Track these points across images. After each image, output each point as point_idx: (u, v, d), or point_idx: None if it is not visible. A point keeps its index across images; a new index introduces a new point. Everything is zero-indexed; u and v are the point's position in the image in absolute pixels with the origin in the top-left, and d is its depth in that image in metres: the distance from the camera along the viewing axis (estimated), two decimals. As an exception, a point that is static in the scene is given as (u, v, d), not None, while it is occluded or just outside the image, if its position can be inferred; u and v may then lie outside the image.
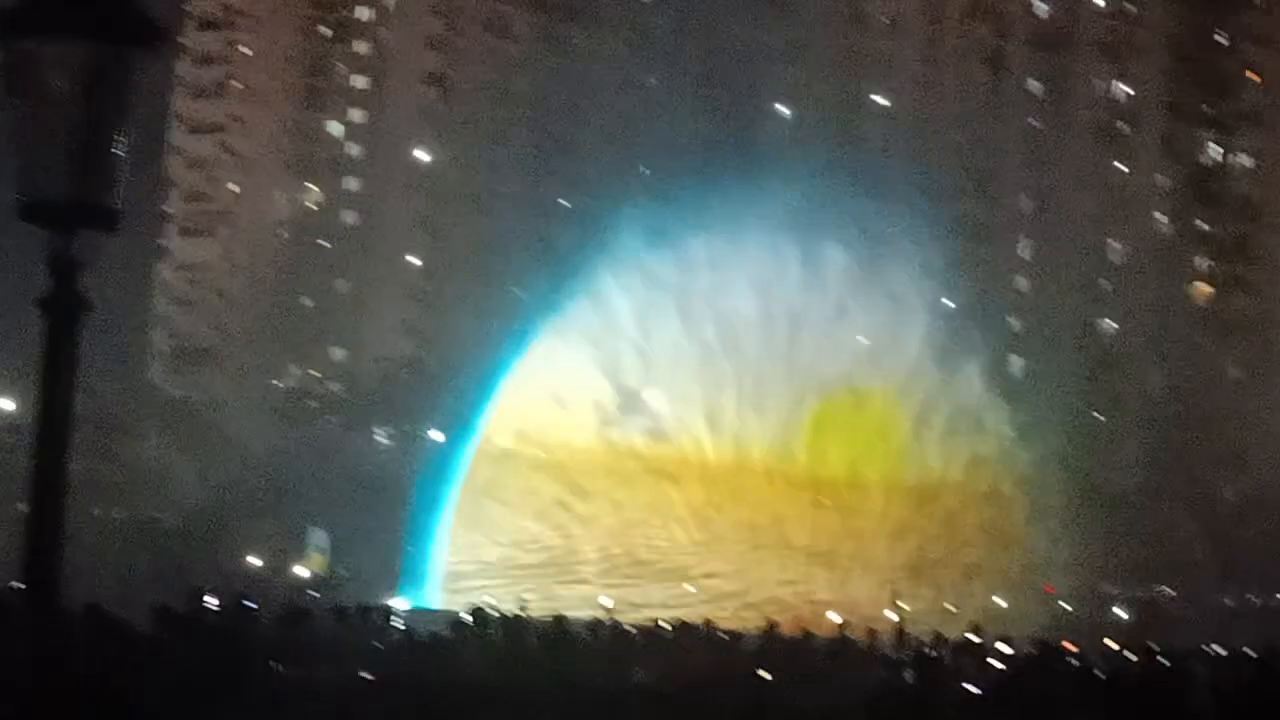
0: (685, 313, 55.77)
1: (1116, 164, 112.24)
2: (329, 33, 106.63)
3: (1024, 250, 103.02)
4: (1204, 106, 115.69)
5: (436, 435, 64.54)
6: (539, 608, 33.33)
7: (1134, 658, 28.93)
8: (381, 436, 76.77)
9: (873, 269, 57.67)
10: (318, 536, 61.36)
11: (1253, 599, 68.11)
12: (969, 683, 21.88)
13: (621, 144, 77.33)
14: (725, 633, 28.61)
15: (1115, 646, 32.07)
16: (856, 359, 57.38)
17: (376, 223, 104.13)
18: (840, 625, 29.76)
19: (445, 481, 53.06)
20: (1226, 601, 67.68)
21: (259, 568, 62.37)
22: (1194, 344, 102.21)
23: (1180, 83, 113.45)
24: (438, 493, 52.83)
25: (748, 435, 55.71)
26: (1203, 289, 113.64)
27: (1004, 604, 50.03)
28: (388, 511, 55.38)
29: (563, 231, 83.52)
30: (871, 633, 29.86)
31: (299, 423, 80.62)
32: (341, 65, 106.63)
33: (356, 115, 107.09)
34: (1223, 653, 32.28)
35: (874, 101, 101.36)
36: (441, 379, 65.74)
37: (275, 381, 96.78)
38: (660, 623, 31.94)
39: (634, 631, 30.54)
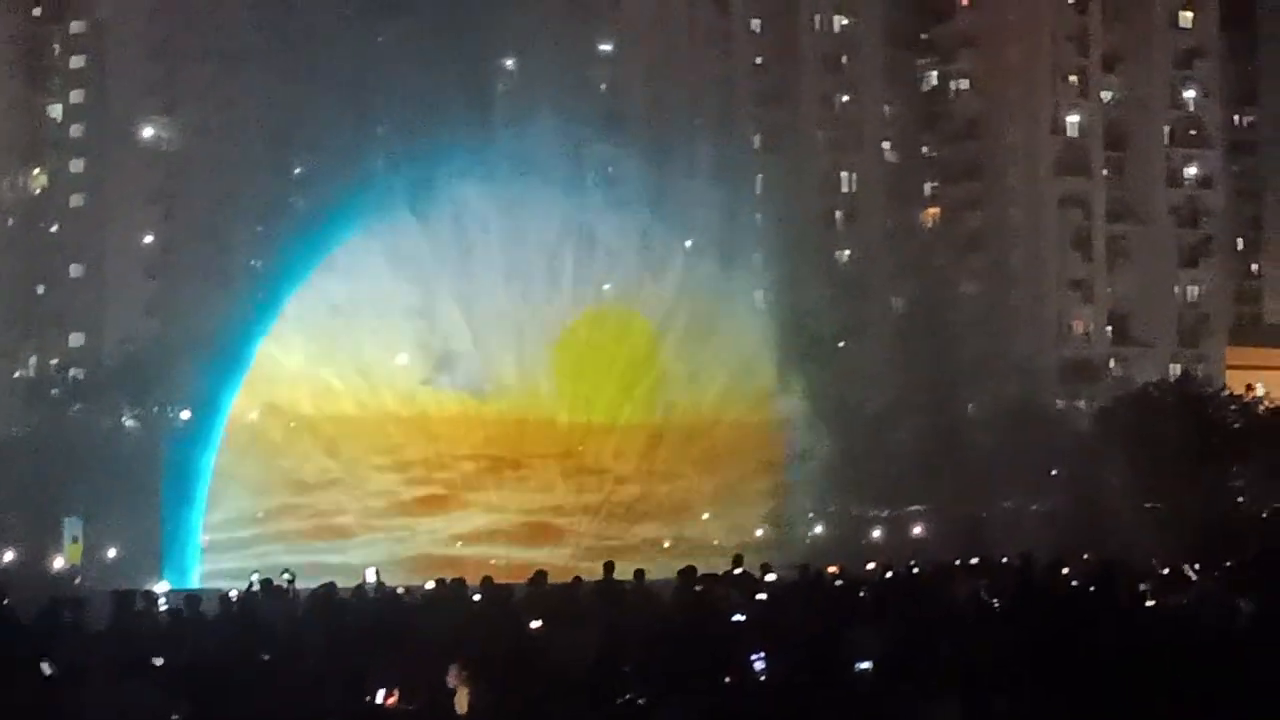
0: (428, 270, 55.67)
1: (841, 95, 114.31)
2: (40, 12, 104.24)
3: (758, 186, 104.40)
4: (921, 33, 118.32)
5: (185, 413, 63.70)
6: (305, 576, 33.18)
7: (891, 574, 29.80)
8: (130, 419, 75.42)
9: (615, 212, 58.12)
10: (72, 525, 60.22)
11: (1006, 506, 70.16)
12: (737, 613, 22.37)
13: (354, 104, 76.64)
14: (494, 584, 28.72)
15: (873, 565, 32.94)
16: (603, 303, 57.82)
17: (106, 203, 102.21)
18: (605, 568, 29.95)
19: (199, 459, 52.53)
20: (978, 513, 69.57)
21: (13, 561, 61.11)
22: (929, 264, 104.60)
23: (897, 11, 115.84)
24: (192, 471, 52.28)
25: (502, 388, 55.88)
26: (931, 211, 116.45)
27: (764, 534, 50.98)
28: (142, 494, 54.67)
29: (300, 196, 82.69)
30: (638, 573, 30.23)
31: (44, 412, 78.96)
32: (58, 45, 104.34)
33: (76, 95, 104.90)
34: (976, 562, 33.48)
35: (602, 49, 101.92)
36: (187, 356, 64.72)
37: (17, 373, 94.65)
38: (429, 582, 32.06)
39: (402, 591, 30.71)
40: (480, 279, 55.83)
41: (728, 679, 15.28)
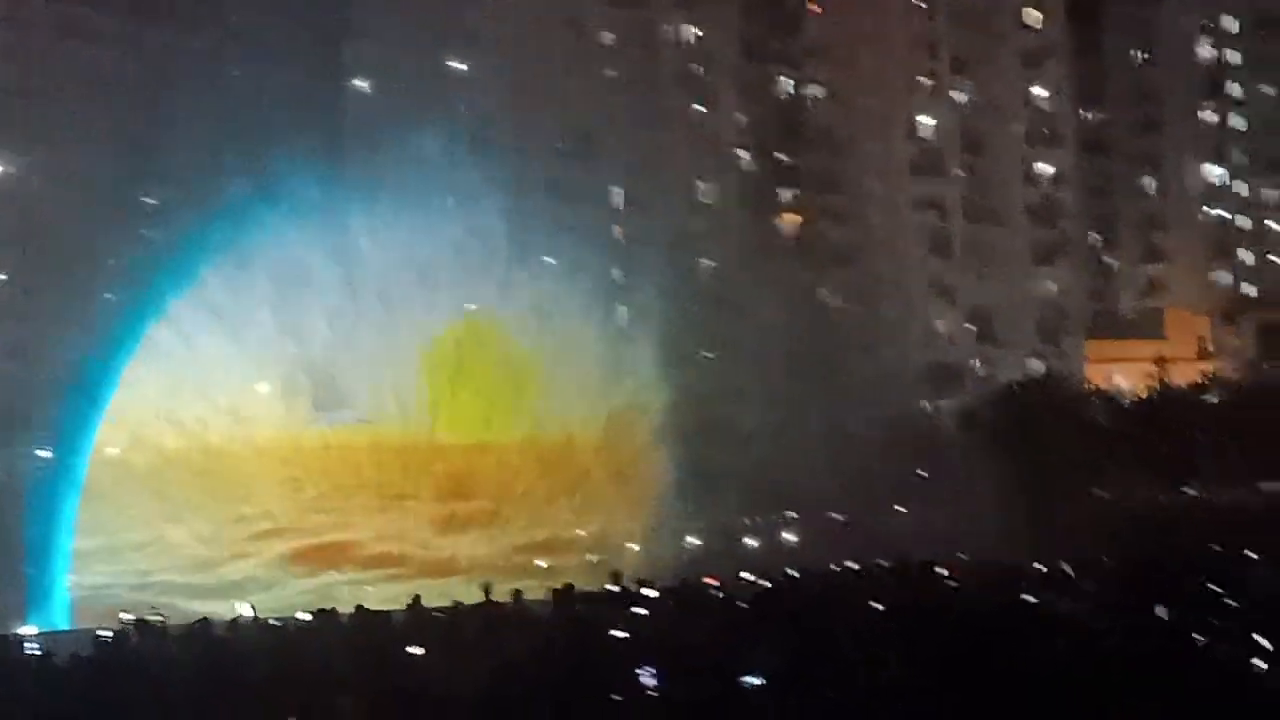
0: (286, 297, 55.15)
1: (696, 106, 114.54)
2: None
3: (617, 200, 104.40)
4: (773, 43, 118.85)
5: (44, 453, 62.57)
6: (178, 614, 32.59)
7: (769, 584, 29.73)
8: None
9: (477, 232, 57.92)
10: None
11: (874, 518, 70.46)
12: (617, 630, 22.14)
13: (208, 136, 75.77)
14: (371, 612, 28.33)
15: (751, 577, 32.82)
16: (469, 324, 57.52)
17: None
18: (485, 590, 29.63)
19: (62, 499, 51.64)
20: (845, 521, 69.88)
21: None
22: (794, 277, 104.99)
23: (748, 22, 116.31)
24: (55, 511, 51.36)
25: (374, 411, 55.45)
26: (790, 219, 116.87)
27: (638, 549, 50.80)
28: (4, 537, 53.64)
29: (156, 230, 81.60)
30: (516, 594, 29.93)
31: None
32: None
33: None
34: (855, 567, 33.53)
35: (457, 69, 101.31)
36: (46, 394, 63.61)
37: None
38: (299, 614, 31.58)
39: (279, 624, 30.20)
40: (343, 303, 55.40)
41: (618, 698, 15.05)
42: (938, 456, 73.51)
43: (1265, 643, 15.91)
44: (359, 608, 28.67)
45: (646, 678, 14.71)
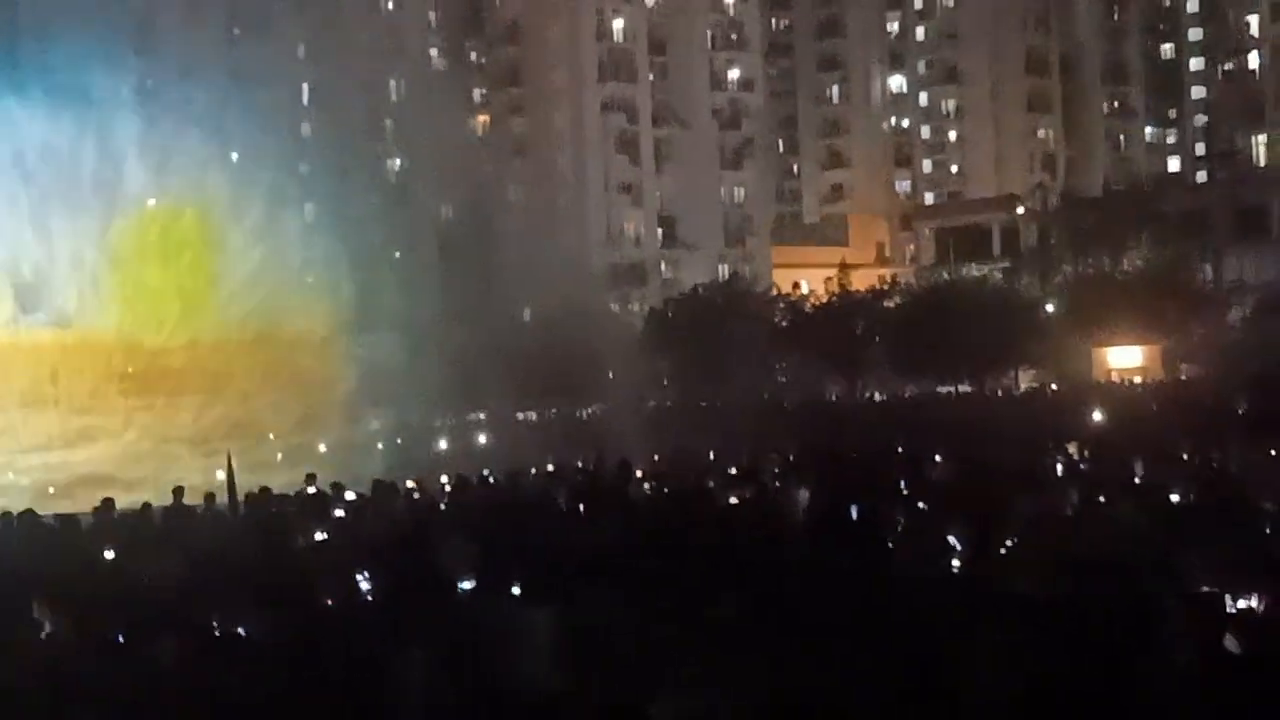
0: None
1: (386, 2, 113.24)
2: None
3: (305, 95, 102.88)
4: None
5: None
6: None
7: (475, 481, 29.74)
8: None
9: (156, 124, 56.60)
10: None
11: (568, 410, 71.22)
12: (318, 532, 21.93)
13: None
14: (60, 517, 27.63)
15: (445, 478, 32.79)
16: (144, 222, 56.23)
17: None
18: (174, 492, 29.01)
19: None
20: (541, 418, 70.40)
21: None
22: (478, 171, 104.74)
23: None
24: None
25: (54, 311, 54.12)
26: (481, 118, 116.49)
27: (329, 451, 50.29)
28: None
29: None
30: (208, 497, 29.42)
31: None
32: None
33: None
34: (551, 469, 33.73)
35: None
36: None
37: None
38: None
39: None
40: (25, 201, 53.83)
41: (328, 601, 14.90)
42: (622, 356, 74.02)
43: (953, 540, 16.43)
44: (57, 515, 27.98)
45: (364, 581, 14.57)
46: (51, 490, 45.90)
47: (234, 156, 59.13)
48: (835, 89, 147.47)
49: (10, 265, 54.08)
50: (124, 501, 27.86)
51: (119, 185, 55.43)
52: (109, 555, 22.35)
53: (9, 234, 53.91)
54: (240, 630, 13.81)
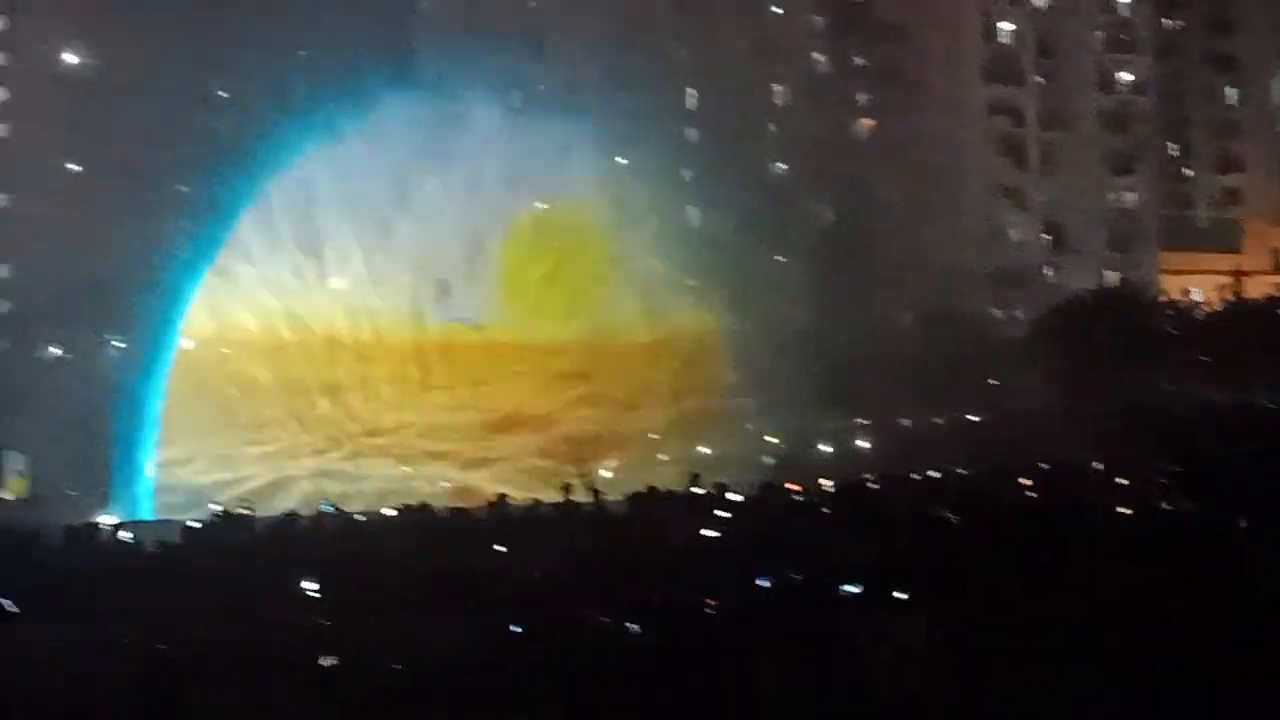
0: (358, 194, 55.17)
1: (771, 7, 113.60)
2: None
3: (689, 101, 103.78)
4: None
5: (119, 344, 63.00)
6: (263, 507, 32.87)
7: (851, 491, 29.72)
8: (65, 350, 74.47)
9: (536, 132, 57.75)
10: (13, 459, 59.53)
11: (938, 420, 70.33)
12: (705, 530, 22.22)
13: (278, 29, 75.67)
14: (451, 510, 28.56)
15: (828, 482, 32.81)
16: (537, 224, 57.42)
17: (30, 131, 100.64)
18: (565, 490, 29.75)
19: (144, 389, 51.97)
20: (909, 424, 69.82)
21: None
22: (857, 175, 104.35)
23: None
24: (137, 401, 51.71)
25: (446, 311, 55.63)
26: (866, 123, 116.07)
27: (713, 452, 50.74)
28: (86, 427, 54.05)
29: (225, 123, 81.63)
30: (596, 494, 30.03)
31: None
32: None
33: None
34: (936, 475, 33.49)
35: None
36: (118, 284, 63.93)
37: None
38: (385, 510, 31.83)
39: (364, 520, 30.45)
40: (421, 198, 55.54)
41: (712, 600, 15.13)
42: (1005, 362, 73.12)
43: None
44: (422, 504, 28.94)
45: (764, 582, 14.77)
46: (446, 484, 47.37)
47: (621, 161, 60.08)
48: (1229, 89, 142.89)
49: (428, 265, 55.66)
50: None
51: (513, 187, 56.80)
52: (499, 549, 23.11)
53: (427, 234, 55.57)
54: (628, 627, 14.06)
